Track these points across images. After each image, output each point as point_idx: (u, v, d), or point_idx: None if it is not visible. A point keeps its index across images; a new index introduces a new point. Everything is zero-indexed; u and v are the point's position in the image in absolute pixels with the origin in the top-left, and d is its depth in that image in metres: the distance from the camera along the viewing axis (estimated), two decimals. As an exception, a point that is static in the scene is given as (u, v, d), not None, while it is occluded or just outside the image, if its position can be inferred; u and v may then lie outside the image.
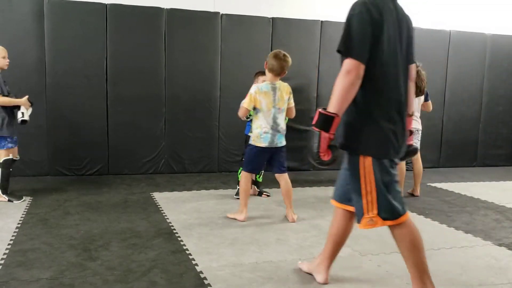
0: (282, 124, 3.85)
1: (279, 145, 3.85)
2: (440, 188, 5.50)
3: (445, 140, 7.02)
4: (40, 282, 2.56)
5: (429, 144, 6.76)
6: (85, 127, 5.24)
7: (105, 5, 5.47)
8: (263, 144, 3.79)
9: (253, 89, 3.77)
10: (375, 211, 2.26)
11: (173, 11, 5.69)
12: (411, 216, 4.22)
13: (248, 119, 4.29)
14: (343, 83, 2.15)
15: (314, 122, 2.20)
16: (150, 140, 5.77)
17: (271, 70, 3.79)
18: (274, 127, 3.79)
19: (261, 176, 4.82)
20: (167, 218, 3.88)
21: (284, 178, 3.94)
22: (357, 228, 3.72)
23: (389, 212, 2.24)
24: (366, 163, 2.24)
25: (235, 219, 3.90)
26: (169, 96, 5.76)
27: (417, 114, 4.94)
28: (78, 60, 5.22)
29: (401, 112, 2.28)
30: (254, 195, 4.72)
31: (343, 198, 2.49)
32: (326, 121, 2.16)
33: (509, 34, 7.15)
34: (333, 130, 2.18)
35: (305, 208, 4.39)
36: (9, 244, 3.13)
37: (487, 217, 4.23)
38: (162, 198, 4.60)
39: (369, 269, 2.91)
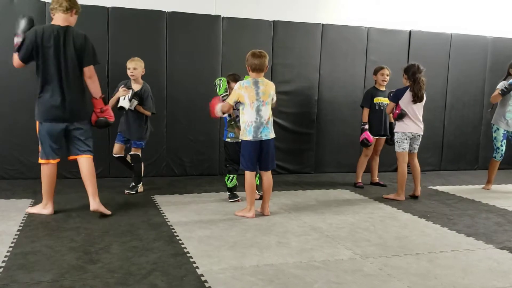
0: (266, 117, 4.02)
1: (264, 138, 4.02)
2: (442, 191, 5.49)
3: (446, 143, 7.01)
4: (41, 284, 2.56)
5: (430, 147, 6.76)
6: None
7: (107, 8, 5.48)
8: (248, 137, 4.00)
9: (236, 85, 4.05)
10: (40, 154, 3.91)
11: (174, 14, 5.71)
12: (413, 220, 4.19)
13: (230, 121, 4.63)
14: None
15: None
16: (151, 143, 5.74)
17: (253, 69, 4.02)
18: (258, 120, 3.99)
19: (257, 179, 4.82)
20: (168, 221, 3.88)
21: (267, 175, 4.14)
22: (358, 232, 3.72)
23: (42, 157, 3.89)
24: (37, 124, 3.82)
25: (243, 216, 4.06)
26: (170, 98, 5.77)
27: (419, 119, 4.95)
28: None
29: (59, 94, 3.71)
30: (256, 199, 4.71)
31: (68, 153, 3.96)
32: None
33: (510, 37, 7.15)
34: None
35: (306, 211, 4.38)
36: (10, 247, 3.13)
37: (488, 221, 4.22)
38: (163, 201, 4.60)
39: (370, 273, 2.90)
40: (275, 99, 4.19)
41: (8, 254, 3.01)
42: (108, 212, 3.95)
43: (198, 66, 5.82)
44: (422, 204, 4.79)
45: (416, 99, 4.85)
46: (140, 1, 5.66)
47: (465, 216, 4.37)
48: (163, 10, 5.67)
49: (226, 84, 4.50)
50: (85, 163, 3.92)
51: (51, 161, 3.89)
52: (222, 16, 5.88)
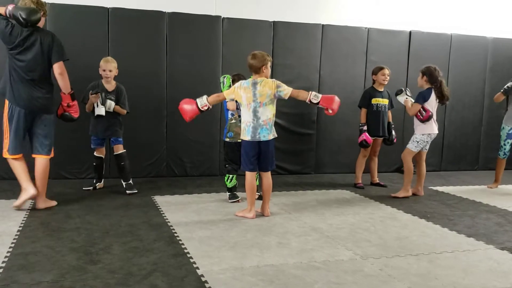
0: (265, 118, 3.98)
1: (263, 138, 4.00)
2: (442, 192, 5.49)
3: (446, 143, 7.01)
4: (41, 285, 2.56)
5: (430, 148, 6.70)
6: (86, 130, 5.23)
7: (107, 9, 5.48)
8: (247, 137, 4.02)
9: (237, 84, 4.08)
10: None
11: (174, 15, 5.71)
12: (414, 220, 4.20)
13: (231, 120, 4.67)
14: None
15: None
16: (151, 143, 5.77)
17: (251, 70, 4.06)
18: (255, 121, 3.98)
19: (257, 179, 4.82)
20: (168, 222, 3.88)
21: (266, 176, 4.13)
22: (358, 233, 3.72)
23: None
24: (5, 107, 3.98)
25: (244, 217, 4.06)
26: (170, 99, 5.76)
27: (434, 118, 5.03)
28: (80, 64, 5.22)
29: (27, 84, 3.93)
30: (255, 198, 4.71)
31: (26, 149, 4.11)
32: None
33: (510, 38, 7.15)
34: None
35: (306, 211, 4.38)
36: (10, 247, 3.13)
37: (489, 221, 4.22)
38: (163, 201, 4.60)
39: (370, 273, 2.90)
40: (285, 93, 3.91)
41: (8, 254, 3.01)
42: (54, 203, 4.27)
43: (198, 66, 5.82)
44: (422, 205, 4.79)
45: (443, 99, 4.92)
46: (140, 2, 5.67)
47: (466, 216, 4.37)
48: (163, 10, 5.67)
49: (230, 81, 4.54)
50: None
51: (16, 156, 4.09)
52: (222, 17, 5.89)
